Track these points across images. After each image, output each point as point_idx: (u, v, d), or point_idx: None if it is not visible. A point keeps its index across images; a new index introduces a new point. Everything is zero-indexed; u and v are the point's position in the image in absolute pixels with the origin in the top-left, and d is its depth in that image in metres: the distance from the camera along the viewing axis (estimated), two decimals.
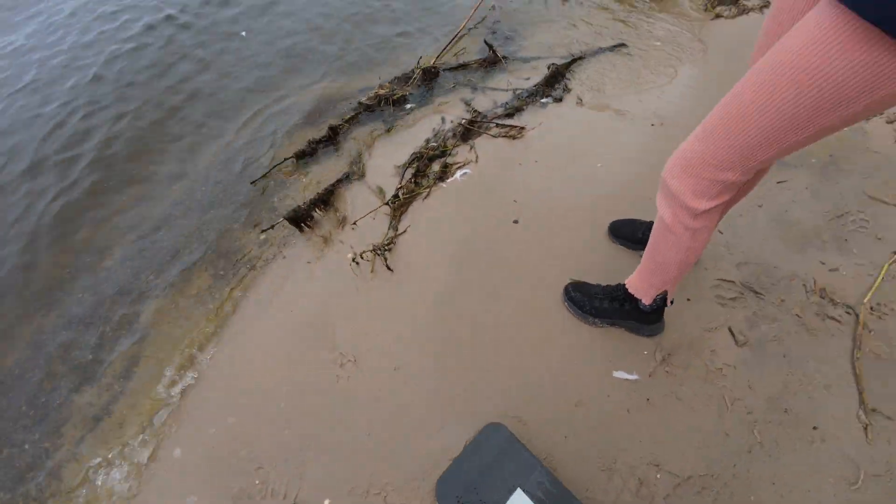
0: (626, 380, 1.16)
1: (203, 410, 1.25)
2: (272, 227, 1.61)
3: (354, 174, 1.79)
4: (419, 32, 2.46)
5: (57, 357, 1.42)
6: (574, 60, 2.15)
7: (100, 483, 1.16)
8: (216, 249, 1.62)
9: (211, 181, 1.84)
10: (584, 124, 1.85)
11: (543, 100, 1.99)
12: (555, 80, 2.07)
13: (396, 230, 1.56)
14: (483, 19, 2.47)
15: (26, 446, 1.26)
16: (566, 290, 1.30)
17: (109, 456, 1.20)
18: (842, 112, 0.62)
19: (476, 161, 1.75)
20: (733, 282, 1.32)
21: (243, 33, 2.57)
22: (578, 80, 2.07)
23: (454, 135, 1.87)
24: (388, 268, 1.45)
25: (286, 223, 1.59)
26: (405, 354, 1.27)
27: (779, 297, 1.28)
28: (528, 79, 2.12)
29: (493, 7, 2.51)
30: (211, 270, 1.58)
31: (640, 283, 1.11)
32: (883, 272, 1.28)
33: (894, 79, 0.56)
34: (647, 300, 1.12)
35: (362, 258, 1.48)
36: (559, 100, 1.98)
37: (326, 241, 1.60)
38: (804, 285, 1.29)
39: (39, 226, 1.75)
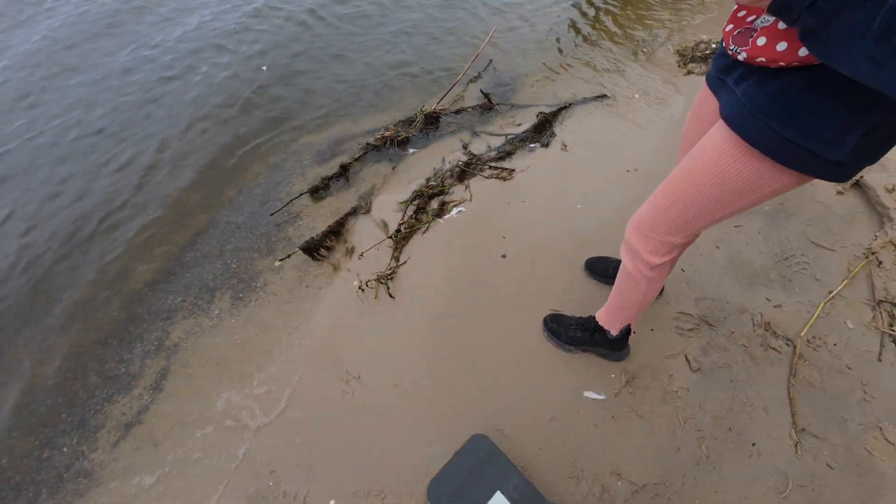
0: (595, 399, 1.34)
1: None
2: (288, 256, 1.81)
3: (362, 209, 2.00)
4: (424, 73, 2.72)
5: (92, 369, 1.59)
6: (561, 109, 2.40)
7: (134, 483, 1.32)
8: (238, 275, 1.81)
9: (236, 211, 2.05)
10: (567, 168, 2.08)
11: (532, 145, 2.22)
12: (543, 127, 2.31)
13: (398, 261, 1.76)
14: (486, 66, 2.73)
15: (65, 449, 1.42)
16: (545, 322, 1.49)
17: (140, 459, 1.36)
18: (747, 200, 0.84)
19: (470, 200, 1.96)
20: (691, 315, 1.52)
21: (264, 68, 2.82)
22: (564, 127, 2.31)
23: (452, 175, 2.09)
24: (390, 295, 1.65)
25: (300, 252, 1.79)
26: (403, 372, 1.45)
27: (729, 328, 1.47)
28: (519, 124, 2.37)
29: (490, 62, 2.78)
30: (231, 293, 1.76)
31: (608, 316, 1.31)
32: (818, 310, 1.48)
33: (775, 181, 0.78)
34: (613, 331, 1.31)
35: (367, 286, 1.67)
36: (546, 145, 2.22)
37: (336, 269, 1.80)
38: (752, 319, 1.49)
39: (81, 238, 1.95)
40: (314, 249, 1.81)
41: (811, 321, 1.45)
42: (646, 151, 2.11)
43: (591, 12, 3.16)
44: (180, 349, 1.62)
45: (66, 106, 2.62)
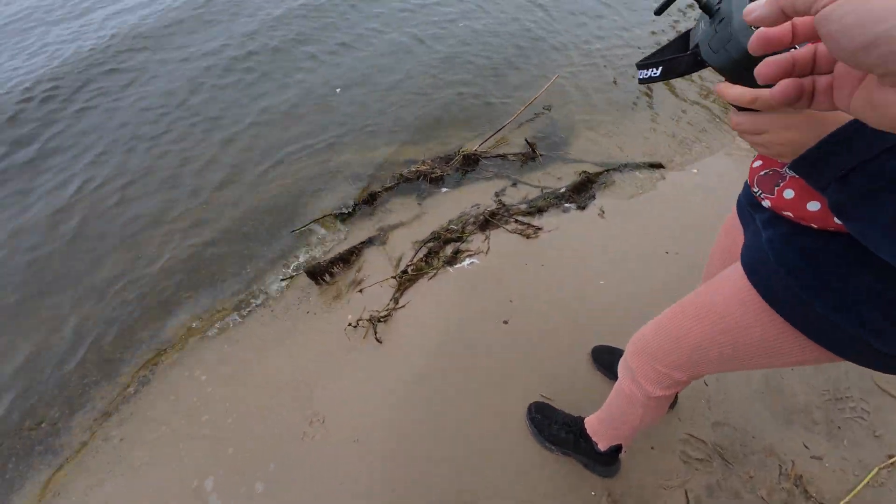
0: None
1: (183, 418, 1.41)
2: (291, 277, 1.81)
3: (378, 240, 1.97)
4: (482, 104, 2.70)
5: (93, 347, 1.67)
6: (607, 171, 2.25)
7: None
8: (244, 282, 1.85)
9: (260, 217, 2.11)
10: (599, 237, 1.92)
11: (567, 204, 2.09)
12: (584, 188, 2.17)
13: (397, 303, 1.70)
14: (542, 111, 2.65)
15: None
16: (529, 409, 1.35)
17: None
18: (765, 363, 0.68)
19: (486, 252, 1.87)
20: (704, 441, 1.30)
21: (338, 90, 2.93)
22: (607, 192, 2.16)
23: (475, 222, 2.01)
24: (378, 339, 1.58)
25: (305, 275, 1.79)
26: (370, 429, 1.36)
27: (749, 471, 1.24)
28: (559, 178, 2.25)
29: (549, 108, 2.70)
30: (234, 301, 1.79)
31: (598, 426, 1.14)
32: (870, 476, 1.20)
33: (803, 353, 0.62)
34: (601, 445, 1.14)
35: (359, 324, 1.62)
36: (582, 208, 2.08)
37: (337, 297, 1.77)
38: (780, 466, 1.24)
39: (110, 227, 2.10)
40: (318, 274, 1.80)
41: (857, 488, 1.18)
42: (693, 235, 1.90)
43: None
44: (174, 342, 1.66)
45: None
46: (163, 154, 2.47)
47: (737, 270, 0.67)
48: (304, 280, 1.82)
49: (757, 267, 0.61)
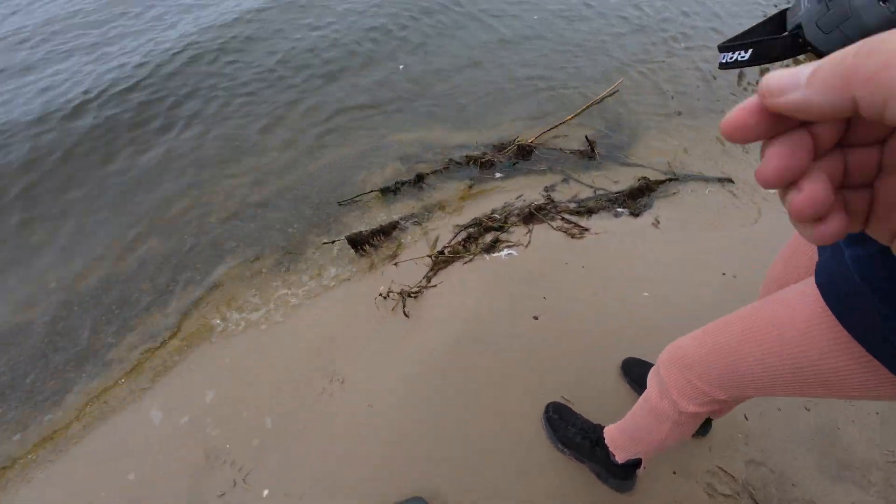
0: None
1: (204, 371, 1.50)
2: (333, 241, 1.87)
3: (419, 219, 1.98)
4: (548, 98, 2.62)
5: (147, 280, 1.82)
6: (669, 180, 2.11)
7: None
8: (290, 241, 1.93)
9: (313, 185, 2.19)
10: (650, 247, 1.81)
11: (620, 209, 1.99)
12: (641, 194, 2.05)
13: (429, 281, 1.70)
14: (610, 110, 2.54)
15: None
16: (547, 409, 1.30)
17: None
18: (827, 392, 0.60)
19: (526, 246, 1.82)
20: (734, 478, 1.19)
21: (401, 66, 2.97)
22: (665, 202, 2.03)
23: (519, 214, 1.97)
24: (405, 314, 1.59)
25: (346, 242, 1.84)
26: (384, 398, 1.38)
27: None
28: (616, 182, 2.14)
29: (619, 105, 2.57)
30: (276, 256, 1.88)
31: (618, 436, 1.08)
32: None
33: (879, 388, 0.54)
34: (619, 458, 1.08)
35: (389, 296, 1.64)
36: (636, 214, 1.96)
37: (372, 268, 1.81)
38: None
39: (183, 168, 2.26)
40: (359, 244, 1.84)
41: None
42: (756, 259, 1.74)
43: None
44: (217, 286, 1.77)
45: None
46: (245, 112, 2.61)
47: (808, 288, 0.60)
48: (344, 247, 1.87)
49: (835, 287, 0.53)
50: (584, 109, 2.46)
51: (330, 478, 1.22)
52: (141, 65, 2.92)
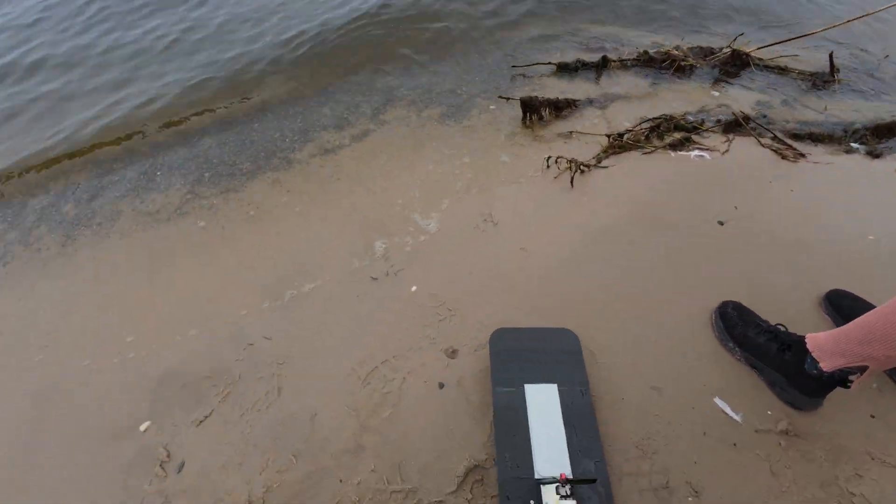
0: (725, 413, 1.01)
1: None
2: (508, 99, 1.80)
3: (598, 103, 1.81)
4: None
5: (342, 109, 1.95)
6: None
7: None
8: (458, 98, 1.91)
9: (491, 51, 2.12)
10: (888, 196, 1.44)
11: (855, 144, 1.60)
12: (888, 133, 1.62)
13: (599, 161, 1.57)
14: (869, 34, 2.01)
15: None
16: (724, 304, 1.14)
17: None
18: None
19: (723, 154, 1.56)
20: None
21: None
22: None
23: (718, 122, 1.69)
24: (572, 182, 1.50)
25: (518, 104, 1.75)
26: (540, 247, 1.34)
27: None
28: (855, 111, 1.71)
29: (885, 30, 2.01)
30: (443, 108, 1.88)
31: (832, 344, 0.90)
32: None
33: None
34: (826, 365, 0.90)
35: (556, 163, 1.55)
36: (876, 155, 1.56)
37: (536, 139, 1.72)
38: None
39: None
40: (530, 109, 1.75)
41: None
42: None
43: None
44: (383, 124, 1.84)
45: None
46: None
47: None
48: (510, 112, 1.80)
49: None
50: (850, 21, 1.95)
51: (478, 292, 1.24)
52: None
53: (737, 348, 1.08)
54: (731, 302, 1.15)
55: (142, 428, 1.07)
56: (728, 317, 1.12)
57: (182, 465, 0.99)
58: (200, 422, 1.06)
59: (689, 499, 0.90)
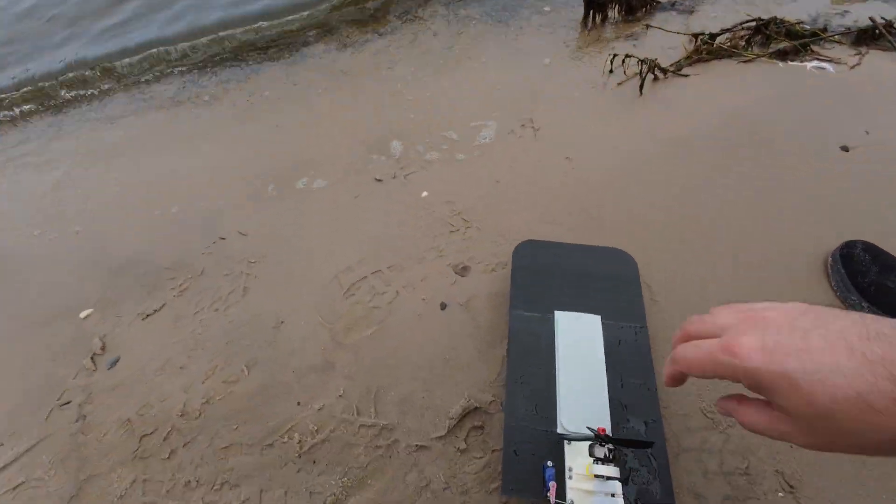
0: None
1: None
2: None
3: (680, 6, 1.43)
4: None
5: None
6: None
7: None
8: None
9: None
10: None
11: None
12: None
13: (680, 68, 1.22)
14: None
15: None
16: (849, 245, 0.82)
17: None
18: None
19: (851, 68, 1.17)
20: None
21: None
22: None
23: (847, 31, 1.28)
24: (641, 88, 1.16)
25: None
26: (584, 158, 1.04)
27: None
28: None
29: None
30: (485, 8, 1.56)
31: None
32: None
33: None
34: None
35: (623, 62, 1.22)
36: None
37: (599, 41, 1.38)
38: None
39: None
40: (595, 6, 1.39)
41: None
42: None
43: None
44: (414, 21, 1.55)
45: None
46: None
47: None
48: (572, 14, 1.46)
49: None
50: None
51: (504, 204, 0.97)
52: None
53: (864, 302, 0.76)
54: (861, 242, 0.82)
55: (82, 315, 0.89)
56: (855, 260, 0.79)
57: (116, 361, 0.81)
58: (148, 315, 0.87)
59: (780, 494, 0.62)
